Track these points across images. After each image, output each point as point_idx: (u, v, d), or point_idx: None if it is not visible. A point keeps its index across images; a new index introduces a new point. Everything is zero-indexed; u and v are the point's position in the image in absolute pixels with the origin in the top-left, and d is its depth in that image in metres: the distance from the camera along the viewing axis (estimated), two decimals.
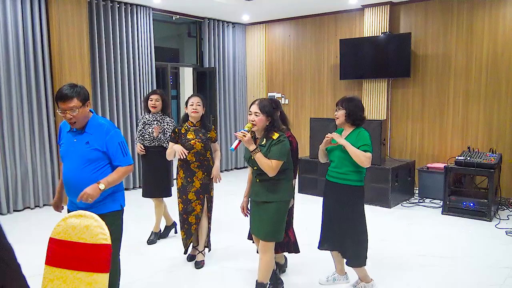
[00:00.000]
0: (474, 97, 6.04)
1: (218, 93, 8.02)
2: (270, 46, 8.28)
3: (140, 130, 4.26)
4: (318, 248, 3.34)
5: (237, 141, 2.89)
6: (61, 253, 1.82)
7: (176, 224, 4.55)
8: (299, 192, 6.33)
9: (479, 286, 3.42)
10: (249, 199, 3.19)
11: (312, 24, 7.63)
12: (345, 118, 3.11)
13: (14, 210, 5.51)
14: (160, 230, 4.49)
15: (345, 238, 3.15)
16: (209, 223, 3.84)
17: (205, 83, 7.96)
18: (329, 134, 3.13)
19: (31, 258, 3.99)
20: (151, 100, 4.22)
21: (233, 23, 8.25)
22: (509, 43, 5.72)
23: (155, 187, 4.27)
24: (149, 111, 4.28)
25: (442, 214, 5.33)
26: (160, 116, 4.24)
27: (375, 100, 6.83)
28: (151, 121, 4.23)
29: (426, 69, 6.43)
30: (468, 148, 5.60)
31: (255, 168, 2.94)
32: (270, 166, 2.83)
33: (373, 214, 5.30)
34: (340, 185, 3.13)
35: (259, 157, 2.83)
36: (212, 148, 3.80)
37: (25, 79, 5.45)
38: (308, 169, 6.40)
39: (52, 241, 1.93)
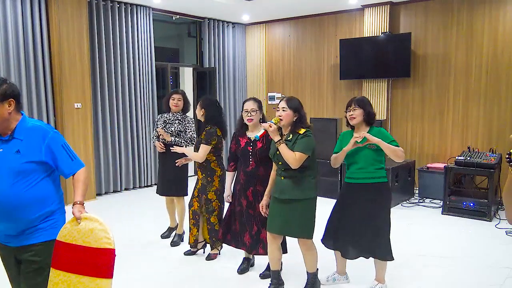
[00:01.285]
0: (474, 97, 6.04)
1: (218, 93, 8.02)
2: (270, 46, 8.28)
3: (162, 129, 4.22)
4: (321, 241, 3.28)
5: (262, 131, 3.05)
6: (67, 256, 1.81)
7: (184, 233, 4.50)
8: None
9: (479, 286, 3.42)
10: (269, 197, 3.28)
11: (312, 24, 7.63)
12: (363, 117, 3.10)
13: None
14: (184, 232, 4.40)
15: (374, 237, 3.10)
16: (210, 224, 3.83)
17: (205, 83, 7.96)
18: (356, 134, 3.06)
19: None
20: (173, 99, 4.22)
21: (233, 23, 8.25)
22: (509, 43, 5.72)
23: (173, 186, 4.24)
24: (169, 110, 4.28)
25: (442, 214, 5.33)
26: (181, 115, 4.25)
27: (375, 100, 6.83)
28: (173, 120, 4.23)
29: (426, 69, 6.43)
30: (468, 148, 5.60)
31: (280, 163, 3.01)
32: (293, 157, 2.89)
33: None
34: (369, 185, 3.08)
35: (283, 148, 2.92)
36: None
37: (25, 79, 5.44)
38: None
39: (58, 244, 1.92)
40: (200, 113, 3.82)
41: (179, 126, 4.19)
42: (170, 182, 4.23)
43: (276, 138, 2.95)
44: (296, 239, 3.14)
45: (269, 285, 3.29)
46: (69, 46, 5.67)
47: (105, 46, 6.26)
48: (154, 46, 6.95)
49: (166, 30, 8.35)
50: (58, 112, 5.75)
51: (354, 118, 3.10)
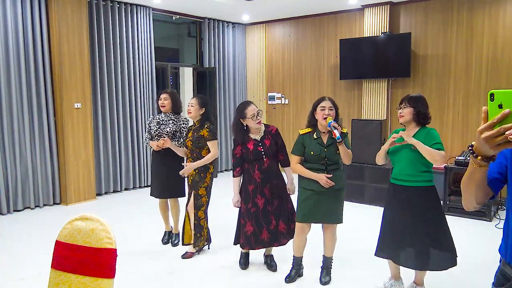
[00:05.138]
0: (474, 97, 6.04)
1: (218, 93, 8.02)
2: (270, 46, 8.28)
3: (156, 130, 4.16)
4: (375, 254, 3.19)
5: (336, 130, 3.05)
6: (67, 257, 1.82)
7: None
8: None
9: (479, 286, 3.42)
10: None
11: (312, 24, 7.63)
12: (413, 116, 2.97)
13: (14, 210, 5.51)
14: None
15: (429, 244, 2.94)
16: (196, 219, 3.87)
17: (205, 83, 7.96)
18: (395, 134, 2.96)
19: (31, 258, 4.00)
20: (160, 99, 4.21)
21: (233, 23, 8.26)
22: (509, 43, 5.72)
23: (170, 187, 4.21)
24: (161, 111, 4.28)
25: None
26: (174, 115, 4.21)
27: (375, 100, 6.84)
28: (166, 120, 4.18)
29: (426, 69, 6.43)
30: (468, 147, 5.59)
31: (326, 159, 3.22)
32: (351, 155, 3.20)
33: (373, 214, 5.30)
34: (412, 188, 2.94)
35: (344, 147, 3.13)
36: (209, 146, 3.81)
37: (25, 79, 5.45)
38: None
39: (58, 244, 1.93)
40: (199, 112, 3.83)
41: (174, 127, 4.13)
42: (167, 184, 4.20)
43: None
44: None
45: (290, 269, 3.47)
46: (69, 46, 5.67)
47: (105, 46, 6.26)
48: (154, 46, 6.95)
49: (166, 30, 8.35)
50: (58, 112, 5.75)
51: (402, 116, 3.01)
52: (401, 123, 3.08)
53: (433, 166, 2.94)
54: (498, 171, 1.43)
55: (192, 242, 3.99)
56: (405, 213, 2.97)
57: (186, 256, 3.97)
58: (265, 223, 3.49)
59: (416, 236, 2.95)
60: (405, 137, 2.87)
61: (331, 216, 3.29)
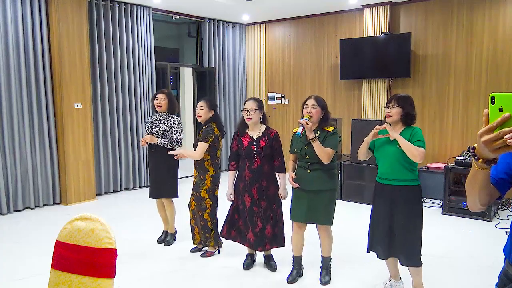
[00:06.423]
0: (474, 97, 6.04)
1: (218, 93, 8.02)
2: (270, 46, 8.28)
3: (148, 130, 4.23)
4: (367, 251, 3.20)
5: (301, 127, 3.12)
6: (67, 257, 1.81)
7: (176, 232, 4.52)
8: None
9: (479, 286, 3.42)
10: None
11: (312, 24, 7.63)
12: (401, 117, 2.97)
13: (14, 210, 5.51)
14: (176, 231, 4.45)
15: (403, 241, 3.00)
16: (202, 221, 3.91)
17: (205, 83, 7.96)
18: (378, 126, 2.95)
19: (31, 258, 4.00)
20: (157, 99, 4.21)
21: (233, 23, 8.26)
22: (509, 42, 5.72)
23: (162, 188, 4.23)
24: (156, 111, 4.29)
25: (442, 214, 5.34)
26: (167, 115, 4.22)
27: (375, 100, 6.84)
28: (158, 120, 4.22)
29: (426, 69, 6.43)
30: (468, 148, 5.60)
31: (307, 157, 3.19)
32: (328, 154, 3.12)
33: None
34: (397, 187, 2.97)
35: (318, 146, 3.10)
36: None
37: (25, 79, 5.45)
38: None
39: (58, 244, 1.92)
40: (208, 114, 3.84)
41: (164, 126, 4.15)
42: (160, 185, 4.21)
43: (312, 135, 3.09)
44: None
45: (291, 269, 3.47)
46: (69, 46, 5.67)
47: (105, 46, 6.26)
48: (154, 46, 6.95)
49: (166, 30, 8.36)
50: (58, 112, 5.75)
51: (390, 116, 2.98)
52: (388, 122, 3.06)
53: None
54: (505, 171, 1.41)
55: (196, 243, 4.10)
56: (391, 212, 3.03)
57: (205, 255, 4.01)
58: (251, 224, 3.53)
59: (392, 230, 3.03)
60: (389, 130, 2.89)
61: (317, 216, 3.27)
